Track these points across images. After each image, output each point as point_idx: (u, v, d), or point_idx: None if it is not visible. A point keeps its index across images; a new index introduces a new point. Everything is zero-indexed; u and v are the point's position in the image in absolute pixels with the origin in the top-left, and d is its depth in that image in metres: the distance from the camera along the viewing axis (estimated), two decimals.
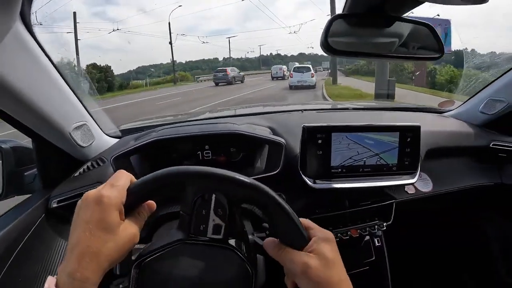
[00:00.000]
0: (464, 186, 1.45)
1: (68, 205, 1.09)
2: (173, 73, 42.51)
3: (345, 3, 0.72)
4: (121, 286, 0.63)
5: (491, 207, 1.65)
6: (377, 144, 1.16)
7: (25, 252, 0.96)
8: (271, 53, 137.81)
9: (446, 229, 1.68)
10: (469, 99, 1.64)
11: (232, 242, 0.62)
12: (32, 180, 1.20)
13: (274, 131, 1.31)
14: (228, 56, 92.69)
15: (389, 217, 1.31)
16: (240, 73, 32.49)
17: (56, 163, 1.18)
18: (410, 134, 1.17)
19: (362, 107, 2.13)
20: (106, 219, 0.52)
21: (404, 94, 12.80)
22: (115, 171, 1.14)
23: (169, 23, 40.99)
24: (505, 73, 1.45)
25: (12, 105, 0.88)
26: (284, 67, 36.03)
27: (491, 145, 1.48)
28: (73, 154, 1.20)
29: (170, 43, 40.49)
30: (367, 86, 16.92)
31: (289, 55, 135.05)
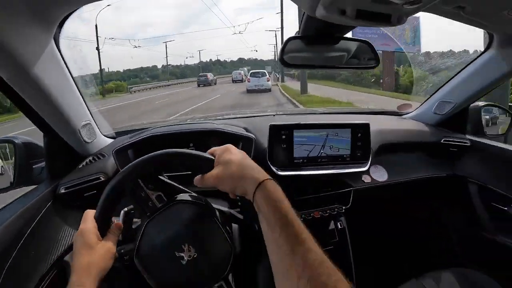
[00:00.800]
0: (417, 177, 1.67)
1: (74, 192, 1.30)
2: (101, 83, 35.71)
3: (299, 27, 0.96)
4: (122, 251, 0.83)
5: (442, 196, 1.87)
6: (332, 139, 1.44)
7: (34, 233, 1.11)
8: (211, 59, 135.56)
9: (400, 215, 1.89)
10: (424, 101, 1.88)
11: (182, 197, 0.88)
12: (40, 173, 1.38)
13: (247, 130, 1.55)
14: (167, 64, 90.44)
15: (347, 202, 1.55)
16: (214, 77, 40.43)
17: (62, 157, 1.38)
18: (360, 130, 1.45)
19: (328, 111, 2.37)
20: (87, 241, 0.76)
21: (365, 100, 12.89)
22: (116, 162, 1.39)
23: (96, 26, 36.56)
24: (453, 77, 1.68)
25: (40, 103, 1.12)
26: (242, 72, 40.69)
27: (442, 141, 1.70)
28: (77, 149, 1.42)
29: (97, 48, 36.21)
30: (339, 93, 16.04)
31: (229, 60, 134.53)
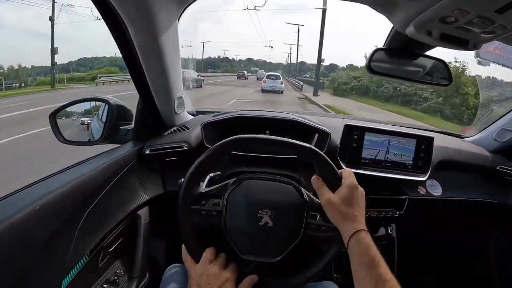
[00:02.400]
0: (469, 198, 1.78)
1: (156, 154, 1.53)
2: (52, 71, 28.38)
3: (386, 40, 1.17)
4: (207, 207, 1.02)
5: (490, 222, 1.97)
6: (398, 146, 1.61)
7: (118, 185, 1.32)
8: (219, 56, 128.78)
9: (448, 232, 2.00)
10: (486, 127, 1.99)
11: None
12: (125, 134, 1.60)
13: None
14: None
15: (401, 209, 1.69)
16: (248, 74, 49.94)
17: (150, 122, 1.63)
18: (425, 142, 1.61)
19: (394, 123, 2.50)
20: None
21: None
22: (202, 134, 1.60)
23: None
24: None
25: (153, 69, 1.39)
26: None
27: (497, 168, 1.80)
28: (165, 118, 1.66)
29: (52, 19, 27.06)
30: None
31: (237, 59, 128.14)
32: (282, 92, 25.93)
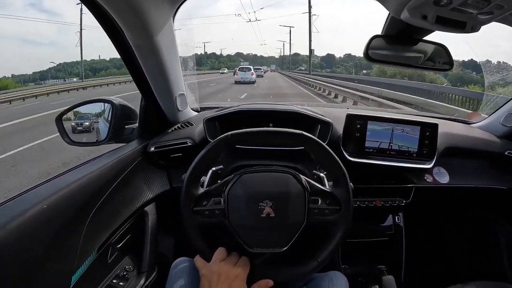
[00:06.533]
0: (478, 185, 1.76)
1: (161, 151, 1.56)
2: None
3: (383, 26, 1.16)
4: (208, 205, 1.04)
5: (499, 208, 1.96)
6: (402, 134, 1.60)
7: (124, 182, 1.35)
8: (206, 52, 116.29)
9: (456, 219, 2.01)
10: (493, 112, 1.96)
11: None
12: (130, 133, 1.64)
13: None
14: None
15: (408, 197, 1.68)
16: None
17: (154, 121, 1.66)
18: (429, 129, 1.59)
19: (398, 111, 2.50)
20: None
21: None
22: (205, 130, 1.62)
23: None
24: None
25: (152, 68, 1.41)
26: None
27: (506, 153, 1.78)
28: (168, 116, 1.69)
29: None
30: None
31: (225, 54, 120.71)
32: (253, 82, 29.27)
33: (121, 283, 1.34)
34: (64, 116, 1.56)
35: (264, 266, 1.06)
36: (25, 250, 0.90)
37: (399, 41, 1.20)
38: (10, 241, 0.85)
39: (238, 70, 32.10)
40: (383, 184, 1.66)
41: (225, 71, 55.45)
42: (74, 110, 1.63)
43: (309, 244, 1.06)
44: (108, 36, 1.27)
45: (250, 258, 1.03)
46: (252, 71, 31.36)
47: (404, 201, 1.67)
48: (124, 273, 1.38)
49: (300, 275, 1.06)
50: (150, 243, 1.51)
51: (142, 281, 1.42)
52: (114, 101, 1.57)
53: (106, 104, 1.65)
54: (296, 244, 1.02)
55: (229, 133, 1.06)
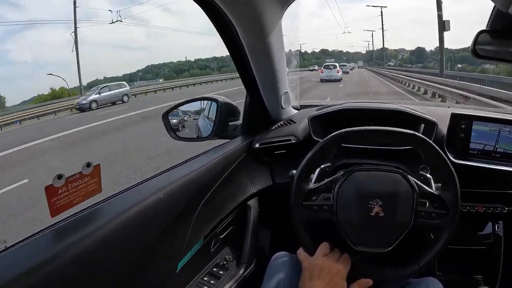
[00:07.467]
0: None
1: (265, 148, 1.63)
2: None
3: (488, 21, 1.15)
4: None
5: None
6: (510, 136, 1.47)
7: (230, 177, 1.43)
8: (290, 50, 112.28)
9: None
10: None
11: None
12: (234, 129, 1.71)
13: None
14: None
15: (510, 204, 1.52)
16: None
17: (258, 118, 1.74)
18: None
19: (503, 111, 2.24)
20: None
21: None
22: (310, 128, 1.65)
23: None
24: None
25: (261, 67, 1.50)
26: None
27: None
28: (272, 113, 1.75)
29: None
30: None
31: (310, 52, 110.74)
32: (340, 80, 28.03)
33: (221, 272, 1.40)
34: (170, 114, 1.67)
35: (366, 264, 1.08)
36: (142, 235, 1.00)
37: (505, 35, 1.18)
38: (129, 226, 0.95)
39: (323, 68, 30.51)
40: (483, 188, 1.53)
41: (315, 68, 53.82)
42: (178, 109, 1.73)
43: (410, 247, 1.07)
44: (221, 36, 1.38)
45: (351, 255, 1.06)
46: (338, 68, 30.15)
47: (506, 208, 1.52)
48: (224, 262, 1.45)
49: (399, 277, 1.08)
50: (251, 235, 1.56)
51: (241, 272, 1.46)
52: (218, 99, 1.65)
53: (205, 102, 1.76)
54: (397, 246, 1.02)
55: (342, 130, 1.07)
